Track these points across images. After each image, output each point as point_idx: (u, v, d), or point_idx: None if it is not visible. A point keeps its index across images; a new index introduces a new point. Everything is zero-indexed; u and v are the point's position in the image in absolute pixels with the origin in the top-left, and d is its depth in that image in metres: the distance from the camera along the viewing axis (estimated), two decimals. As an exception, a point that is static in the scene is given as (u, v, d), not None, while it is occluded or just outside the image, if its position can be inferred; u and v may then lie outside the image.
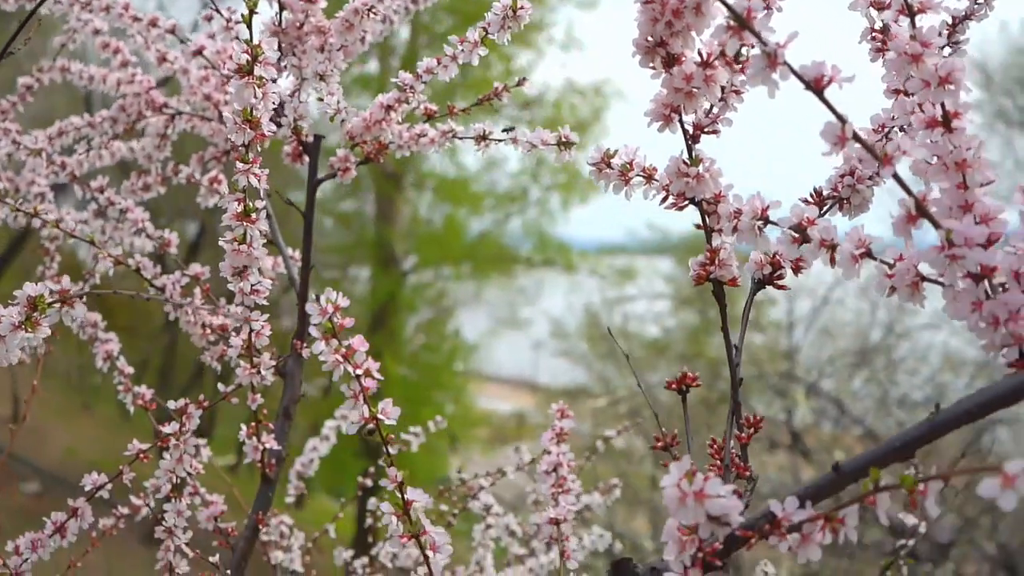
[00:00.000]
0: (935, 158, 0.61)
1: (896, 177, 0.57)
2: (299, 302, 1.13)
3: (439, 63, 0.99)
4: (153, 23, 1.15)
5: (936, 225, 0.57)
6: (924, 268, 0.62)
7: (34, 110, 1.45)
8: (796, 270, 0.76)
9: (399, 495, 0.72)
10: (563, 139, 0.94)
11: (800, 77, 0.56)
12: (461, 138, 1.05)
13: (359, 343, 0.70)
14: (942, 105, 0.60)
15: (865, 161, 0.69)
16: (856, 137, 0.56)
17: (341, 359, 0.69)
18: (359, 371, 0.69)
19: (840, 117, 0.56)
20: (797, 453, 6.01)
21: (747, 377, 7.48)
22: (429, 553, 0.72)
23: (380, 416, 0.71)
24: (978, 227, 0.56)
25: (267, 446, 1.06)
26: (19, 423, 1.17)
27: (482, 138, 1.03)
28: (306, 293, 1.14)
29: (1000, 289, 0.59)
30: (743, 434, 0.69)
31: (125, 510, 1.20)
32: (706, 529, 0.57)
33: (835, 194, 0.77)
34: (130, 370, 1.17)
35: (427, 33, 10.07)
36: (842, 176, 0.77)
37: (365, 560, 1.51)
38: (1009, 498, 0.45)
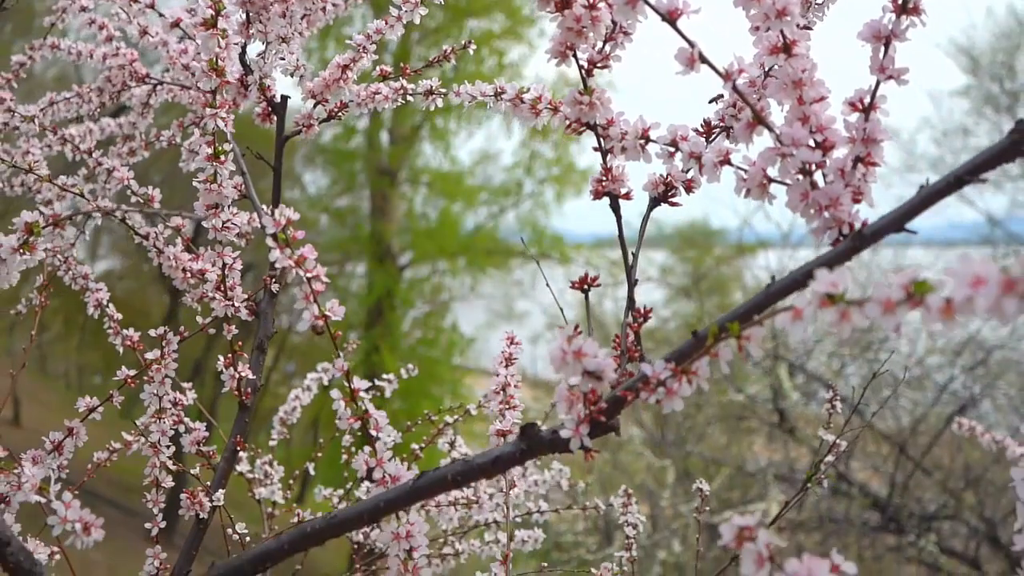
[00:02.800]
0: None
1: (736, 91, 0.69)
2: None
3: (386, 23, 1.12)
4: (134, -1, 1.27)
5: (770, 129, 0.69)
6: (772, 172, 0.74)
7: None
8: (688, 189, 0.88)
9: (346, 383, 0.84)
10: (499, 90, 1.05)
11: (656, 9, 0.68)
12: (412, 94, 1.17)
13: (309, 251, 0.81)
14: (782, 33, 0.72)
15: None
16: (702, 59, 0.68)
17: (294, 264, 0.81)
18: (310, 275, 0.81)
19: (690, 42, 0.68)
20: (784, 431, 6.14)
21: (737, 360, 7.59)
22: (373, 432, 0.84)
23: (329, 314, 0.82)
24: (802, 130, 0.68)
25: (243, 375, 1.18)
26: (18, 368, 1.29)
27: (429, 92, 1.16)
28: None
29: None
30: (635, 323, 0.82)
31: (117, 444, 1.31)
32: (585, 383, 0.69)
33: (721, 124, 0.89)
34: (119, 316, 1.29)
35: (419, 28, 10.21)
36: (727, 108, 0.89)
37: (341, 492, 1.64)
38: (798, 329, 0.57)
